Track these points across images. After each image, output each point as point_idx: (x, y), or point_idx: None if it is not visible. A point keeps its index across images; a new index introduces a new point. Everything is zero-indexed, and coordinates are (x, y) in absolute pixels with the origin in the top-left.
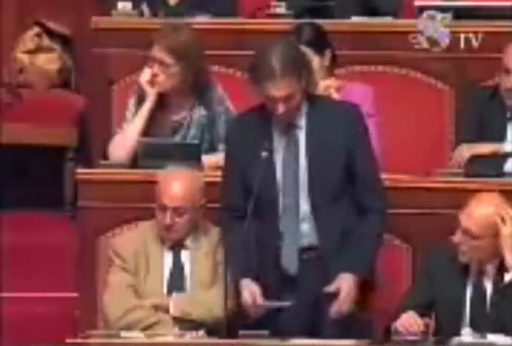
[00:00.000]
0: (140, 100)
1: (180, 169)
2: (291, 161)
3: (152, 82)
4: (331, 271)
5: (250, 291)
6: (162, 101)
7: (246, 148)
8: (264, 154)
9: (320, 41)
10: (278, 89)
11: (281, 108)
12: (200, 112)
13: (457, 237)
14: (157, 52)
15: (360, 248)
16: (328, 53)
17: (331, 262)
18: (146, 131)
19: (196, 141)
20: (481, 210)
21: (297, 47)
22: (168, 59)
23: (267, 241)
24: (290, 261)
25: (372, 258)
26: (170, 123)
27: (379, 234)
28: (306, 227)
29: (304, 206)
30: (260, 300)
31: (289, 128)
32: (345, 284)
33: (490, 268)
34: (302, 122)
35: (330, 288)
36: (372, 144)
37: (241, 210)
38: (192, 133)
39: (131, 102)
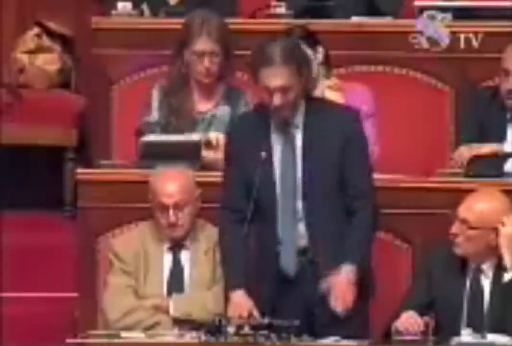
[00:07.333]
0: (165, 92)
1: (167, 168)
2: (288, 161)
3: (206, 76)
4: (326, 273)
5: (239, 306)
6: (190, 91)
7: (246, 148)
8: (263, 154)
9: (310, 38)
10: (275, 78)
11: (277, 100)
12: (224, 110)
13: (454, 228)
14: (206, 44)
15: (351, 240)
16: (320, 50)
17: (325, 265)
18: (169, 120)
19: (196, 139)
20: (481, 202)
21: (299, 44)
22: (217, 48)
23: (266, 243)
24: (288, 263)
25: (364, 248)
26: (192, 113)
27: (368, 231)
28: (301, 227)
29: (299, 206)
30: (248, 314)
31: (287, 126)
32: (339, 276)
33: (488, 267)
34: (300, 121)
35: (325, 283)
36: (369, 147)
37: (241, 211)
38: (212, 131)
39: (155, 93)
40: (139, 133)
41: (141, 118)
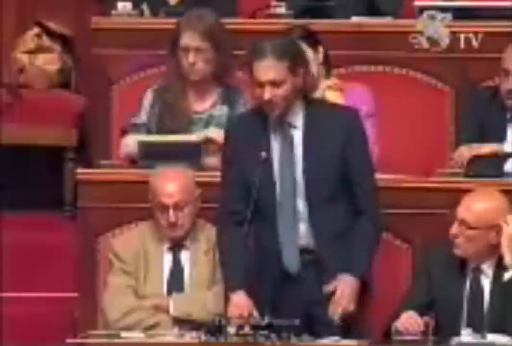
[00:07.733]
0: (160, 92)
1: (167, 168)
2: (288, 161)
3: (191, 72)
4: (329, 272)
5: (239, 307)
6: (185, 89)
7: (244, 148)
8: (263, 154)
9: (310, 38)
10: (266, 71)
11: (267, 93)
12: (222, 110)
13: (453, 229)
14: (191, 39)
15: (357, 249)
16: (320, 50)
17: (328, 265)
18: (162, 119)
19: (196, 139)
20: (479, 202)
21: (297, 43)
22: (204, 44)
23: (266, 243)
24: (290, 262)
25: (369, 260)
26: (189, 113)
27: (374, 238)
28: (303, 227)
29: (300, 206)
30: (248, 314)
31: (285, 127)
32: (343, 283)
33: (488, 267)
34: (299, 122)
35: (328, 288)
36: (369, 147)
37: (240, 213)
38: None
39: (149, 94)
40: (124, 132)
41: (130, 118)
